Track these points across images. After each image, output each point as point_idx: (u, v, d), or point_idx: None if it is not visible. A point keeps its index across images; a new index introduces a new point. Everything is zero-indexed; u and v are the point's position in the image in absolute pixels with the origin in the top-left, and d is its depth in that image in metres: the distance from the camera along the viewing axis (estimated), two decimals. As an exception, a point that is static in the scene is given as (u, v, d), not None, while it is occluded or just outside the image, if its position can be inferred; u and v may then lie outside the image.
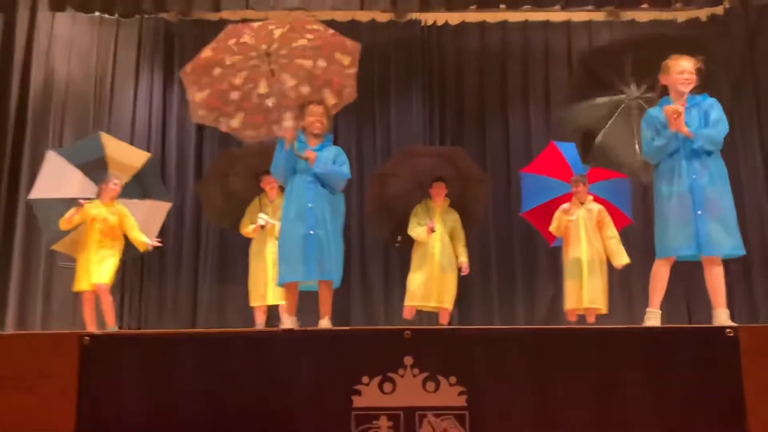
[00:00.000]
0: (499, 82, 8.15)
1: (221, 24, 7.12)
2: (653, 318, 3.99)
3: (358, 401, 2.91)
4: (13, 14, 7.48)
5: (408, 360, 2.94)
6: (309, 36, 4.80)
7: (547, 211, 6.40)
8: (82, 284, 6.02)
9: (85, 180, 6.25)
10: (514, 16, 8.08)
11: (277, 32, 4.78)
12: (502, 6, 7.56)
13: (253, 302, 6.26)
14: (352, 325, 7.06)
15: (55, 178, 6.20)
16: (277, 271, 4.53)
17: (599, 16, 8.03)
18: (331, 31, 4.87)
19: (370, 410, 2.91)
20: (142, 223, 6.27)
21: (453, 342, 3.06)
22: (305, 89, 4.71)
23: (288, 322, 4.41)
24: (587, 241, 6.11)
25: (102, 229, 6.04)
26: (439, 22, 8.20)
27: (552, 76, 8.05)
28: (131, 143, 7.17)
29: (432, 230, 6.13)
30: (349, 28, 7.48)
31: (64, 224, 6.00)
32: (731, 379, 2.92)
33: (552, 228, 6.31)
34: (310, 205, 4.36)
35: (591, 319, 6.15)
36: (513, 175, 7.59)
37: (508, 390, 2.94)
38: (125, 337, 3.46)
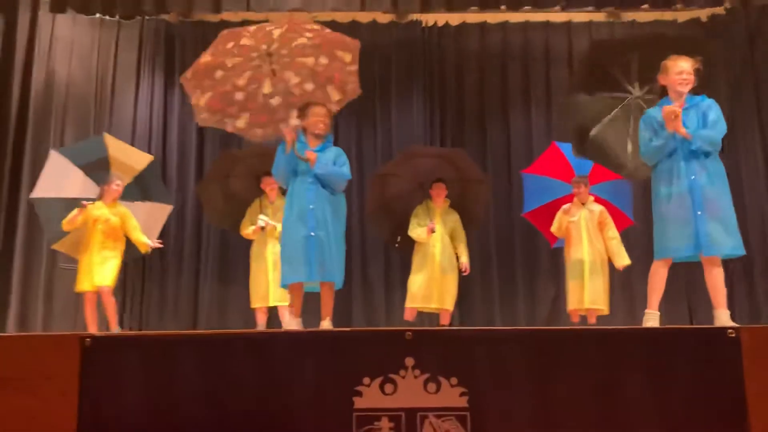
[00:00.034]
0: (500, 82, 8.15)
1: (222, 25, 7.16)
2: (652, 319, 3.99)
3: (359, 402, 2.91)
4: (14, 15, 7.49)
5: (409, 361, 2.94)
6: (308, 35, 4.81)
7: (549, 211, 6.41)
8: (83, 285, 6.04)
9: (87, 180, 6.27)
10: (515, 17, 8.07)
11: (276, 32, 4.79)
12: (503, 7, 7.54)
13: (254, 303, 6.26)
14: (353, 326, 7.05)
15: (58, 177, 6.22)
16: (280, 272, 4.53)
17: (600, 16, 8.02)
18: (328, 29, 4.88)
19: (372, 411, 2.90)
20: (143, 224, 6.29)
21: (454, 343, 3.05)
22: (309, 86, 4.73)
23: (293, 324, 4.38)
24: (589, 242, 6.11)
25: (104, 230, 6.05)
26: (440, 23, 8.19)
27: (553, 77, 8.04)
28: (132, 144, 7.19)
29: (432, 231, 6.13)
30: (349, 29, 7.46)
31: (66, 225, 6.01)
32: (733, 380, 2.91)
33: (553, 229, 6.31)
34: (311, 206, 4.35)
35: (592, 319, 6.15)
36: (514, 175, 7.59)
37: (510, 391, 2.93)
38: (126, 339, 3.45)
